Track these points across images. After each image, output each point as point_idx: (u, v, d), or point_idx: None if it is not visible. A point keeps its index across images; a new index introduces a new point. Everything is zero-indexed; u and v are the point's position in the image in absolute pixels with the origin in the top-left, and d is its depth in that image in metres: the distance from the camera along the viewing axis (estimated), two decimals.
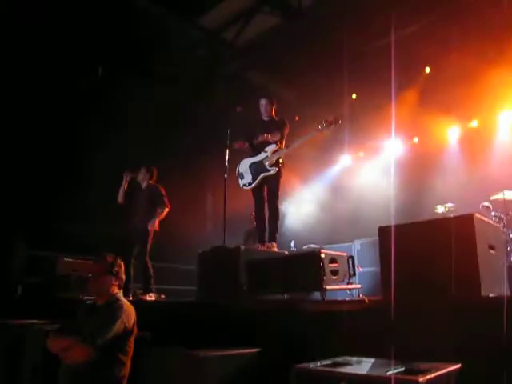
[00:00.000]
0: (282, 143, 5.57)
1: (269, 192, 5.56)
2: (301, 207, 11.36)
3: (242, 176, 5.77)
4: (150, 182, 6.77)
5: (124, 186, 6.74)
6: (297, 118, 11.61)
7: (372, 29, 9.07)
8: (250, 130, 5.89)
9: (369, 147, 11.43)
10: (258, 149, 5.67)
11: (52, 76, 7.92)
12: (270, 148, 5.50)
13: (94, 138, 8.52)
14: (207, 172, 6.19)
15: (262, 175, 5.48)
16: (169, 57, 10.11)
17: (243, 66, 10.90)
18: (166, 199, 6.46)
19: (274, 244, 5.25)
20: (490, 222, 3.33)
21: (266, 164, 5.48)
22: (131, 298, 5.93)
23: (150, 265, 6.35)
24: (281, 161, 5.59)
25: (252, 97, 6.34)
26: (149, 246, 6.41)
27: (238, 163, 5.85)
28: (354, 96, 10.96)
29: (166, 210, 6.44)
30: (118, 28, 8.30)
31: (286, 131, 5.62)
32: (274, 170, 5.43)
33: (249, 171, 5.64)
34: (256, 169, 5.54)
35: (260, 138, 5.50)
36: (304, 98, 11.15)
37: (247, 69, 10.99)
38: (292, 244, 9.33)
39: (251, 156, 5.68)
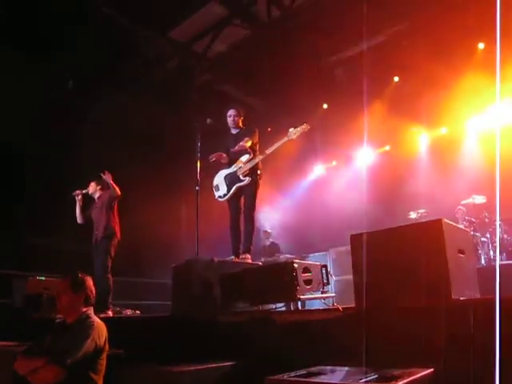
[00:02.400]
0: (254, 152, 5.55)
1: (245, 203, 5.53)
2: (276, 218, 11.36)
3: (217, 188, 5.74)
4: (102, 191, 6.66)
5: (79, 205, 6.62)
6: (269, 129, 11.70)
7: (341, 40, 9.20)
8: (222, 143, 5.86)
9: (341, 156, 11.55)
10: (231, 160, 5.65)
11: (23, 88, 7.78)
12: (243, 158, 5.49)
13: (65, 149, 8.40)
14: (180, 184, 6.14)
15: (235, 185, 5.46)
16: (140, 68, 10.09)
17: (214, 78, 10.93)
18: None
19: (248, 256, 5.22)
20: (459, 226, 3.38)
21: (240, 174, 5.46)
22: (109, 314, 5.82)
23: (108, 279, 6.14)
24: (259, 172, 5.55)
25: (224, 108, 6.33)
26: (108, 257, 6.23)
27: (213, 175, 5.83)
28: (325, 106, 11.07)
29: (117, 190, 6.34)
30: (88, 41, 8.23)
31: (257, 137, 5.61)
32: (247, 180, 5.40)
33: (224, 183, 5.61)
34: (230, 180, 5.52)
35: (232, 149, 5.48)
36: (276, 108, 11.22)
37: (218, 81, 11.02)
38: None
39: (226, 168, 5.66)
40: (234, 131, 5.86)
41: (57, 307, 3.59)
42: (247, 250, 5.27)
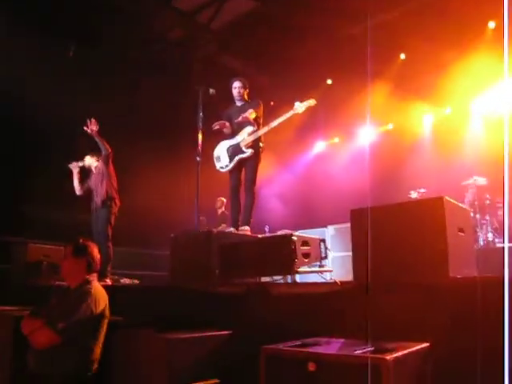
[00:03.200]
0: (258, 124, 5.51)
1: (246, 177, 5.50)
2: (276, 193, 11.38)
3: (218, 159, 5.70)
4: (98, 162, 6.64)
5: (76, 177, 6.60)
6: (272, 103, 11.61)
7: (348, 15, 9.05)
8: (225, 114, 5.80)
9: (343, 133, 11.48)
10: (235, 131, 5.60)
11: (25, 51, 7.69)
12: (247, 130, 5.44)
13: (64, 120, 8.33)
14: (181, 154, 6.10)
15: (237, 157, 5.43)
16: (143, 37, 9.97)
17: (218, 50, 10.80)
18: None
19: (247, 228, 5.22)
20: (460, 204, 3.37)
21: (242, 146, 5.42)
22: (107, 282, 5.86)
23: (107, 247, 6.16)
24: (261, 144, 5.52)
25: (226, 80, 6.25)
26: (108, 225, 6.24)
27: (215, 146, 5.80)
28: (329, 81, 10.96)
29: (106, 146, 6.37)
30: (92, 7, 8.11)
31: (261, 111, 5.56)
32: (249, 152, 5.37)
33: (225, 154, 5.58)
34: (232, 151, 5.49)
35: (236, 120, 5.42)
36: (279, 83, 11.11)
37: (222, 52, 10.89)
38: (266, 229, 9.35)
39: (228, 139, 5.62)
40: (238, 103, 5.79)
41: (57, 274, 3.64)
42: (246, 223, 5.27)
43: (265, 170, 10.82)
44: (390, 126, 10.76)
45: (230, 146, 5.50)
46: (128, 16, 8.77)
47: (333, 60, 10.07)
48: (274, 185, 11.34)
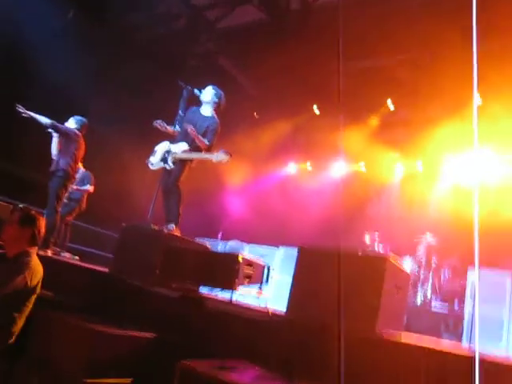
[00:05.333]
0: (198, 149, 5.40)
1: (169, 179, 5.36)
2: (239, 202, 11.42)
3: (153, 153, 5.59)
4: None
5: (55, 141, 6.45)
6: (255, 114, 11.71)
7: (346, 51, 9.20)
8: (187, 111, 5.64)
9: (317, 161, 11.65)
10: (177, 137, 5.51)
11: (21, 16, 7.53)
12: (182, 145, 5.34)
13: (48, 78, 8.18)
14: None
15: (162, 164, 5.37)
16: (146, 19, 9.90)
17: (216, 50, 10.81)
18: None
19: (173, 226, 5.00)
20: (407, 264, 3.50)
21: (170, 158, 5.35)
22: (47, 253, 5.76)
23: (53, 217, 5.99)
24: (187, 164, 5.43)
25: (216, 82, 6.21)
26: (55, 196, 6.07)
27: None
28: (315, 107, 11.10)
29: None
30: None
31: (216, 134, 5.50)
32: (171, 167, 5.28)
33: (160, 154, 5.49)
34: (163, 157, 5.38)
35: (188, 129, 5.24)
36: (267, 96, 11.20)
37: (220, 53, 10.91)
38: (219, 235, 9.41)
39: (171, 142, 5.48)
40: (202, 111, 5.60)
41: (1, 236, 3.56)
42: (172, 220, 5.12)
43: (235, 177, 10.95)
44: (362, 167, 10.98)
45: (165, 151, 5.42)
46: None
47: (322, 90, 10.23)
48: (238, 194, 11.40)
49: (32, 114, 6.12)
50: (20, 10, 7.43)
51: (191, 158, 5.37)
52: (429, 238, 8.15)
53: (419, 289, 7.89)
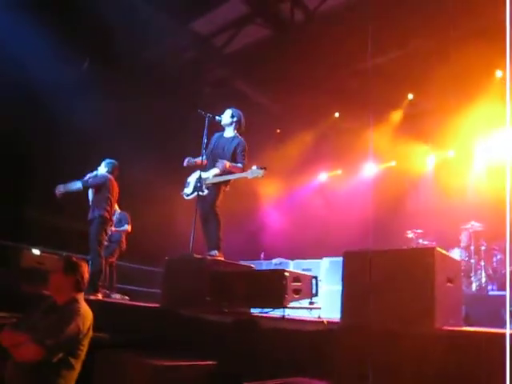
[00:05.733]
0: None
1: (205, 206, 5.41)
2: (275, 220, 11.42)
3: (187, 184, 5.71)
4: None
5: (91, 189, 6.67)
6: (278, 130, 11.76)
7: (360, 51, 9.18)
8: (211, 139, 5.73)
9: (347, 166, 11.57)
10: (209, 164, 5.58)
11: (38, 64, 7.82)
12: (213, 171, 5.41)
13: (73, 130, 8.45)
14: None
15: (196, 192, 5.41)
16: (156, 56, 10.12)
17: (229, 75, 10.96)
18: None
19: (215, 253, 5.04)
20: (453, 251, 3.42)
21: (203, 184, 5.41)
22: (98, 297, 5.87)
23: (98, 261, 6.15)
24: (223, 187, 5.48)
25: (236, 106, 6.29)
26: (96, 241, 6.24)
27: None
28: (336, 114, 11.09)
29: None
30: (107, 23, 8.25)
31: (245, 151, 5.52)
32: (206, 193, 5.34)
33: (193, 183, 5.59)
34: (196, 185, 5.44)
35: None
36: (287, 111, 11.25)
37: (233, 77, 11.04)
38: (262, 255, 9.39)
39: (202, 170, 5.51)
40: (226, 134, 5.72)
41: (48, 285, 3.66)
42: (215, 247, 5.15)
43: (269, 194, 10.99)
44: (393, 163, 10.84)
45: (198, 179, 5.46)
46: (143, 34, 8.91)
47: (342, 94, 10.21)
48: (275, 212, 11.41)
49: (65, 189, 6.39)
50: (36, 64, 7.69)
51: (225, 181, 5.43)
52: (474, 225, 7.94)
53: (473, 277, 7.68)
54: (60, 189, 6.39)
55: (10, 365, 3.24)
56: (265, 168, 5.07)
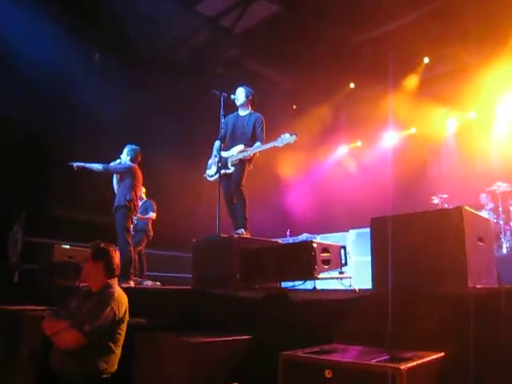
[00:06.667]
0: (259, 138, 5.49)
1: (231, 185, 5.45)
2: (298, 196, 11.41)
3: (209, 166, 5.75)
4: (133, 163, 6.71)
5: (116, 176, 6.71)
6: (294, 106, 11.68)
7: (372, 18, 9.03)
8: (225, 121, 5.71)
9: (366, 137, 11.45)
10: (229, 144, 5.60)
11: (49, 60, 7.89)
12: (237, 148, 5.43)
13: (91, 122, 8.54)
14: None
15: (222, 171, 5.41)
16: (168, 43, 10.11)
17: (241, 54, 10.88)
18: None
19: (242, 231, 5.11)
20: (480, 213, 3.38)
21: (229, 162, 5.43)
22: (130, 285, 5.98)
23: (127, 250, 6.21)
24: (247, 162, 5.49)
25: (249, 85, 6.26)
26: (123, 230, 6.29)
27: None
28: (352, 85, 10.96)
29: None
30: (115, 13, 8.26)
31: (263, 125, 5.51)
32: (232, 169, 5.39)
33: (215, 164, 5.60)
34: (221, 163, 5.45)
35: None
36: (301, 86, 11.14)
37: (245, 56, 10.97)
38: (287, 233, 9.42)
39: (223, 150, 5.56)
40: (241, 112, 5.71)
41: (81, 275, 3.75)
42: (241, 226, 5.21)
43: (291, 171, 10.96)
44: (413, 130, 10.69)
45: (222, 158, 5.48)
46: (152, 20, 8.90)
47: (356, 64, 10.06)
48: (297, 188, 11.39)
49: (84, 165, 6.44)
50: (47, 57, 7.77)
51: (249, 159, 5.43)
52: (501, 185, 7.81)
53: (503, 239, 7.58)
54: (79, 164, 6.46)
55: (54, 352, 3.36)
56: (296, 134, 5.01)
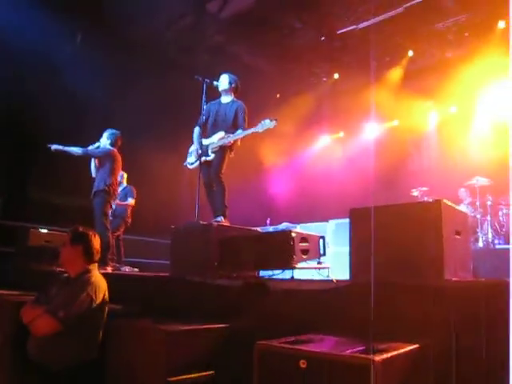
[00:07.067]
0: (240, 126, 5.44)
1: (211, 171, 5.41)
2: (279, 185, 11.41)
3: (190, 154, 5.70)
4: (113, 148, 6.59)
5: (93, 160, 6.59)
6: (278, 95, 11.64)
7: (356, 10, 9.02)
8: (207, 108, 5.63)
9: (349, 127, 11.48)
10: (210, 130, 5.56)
11: (32, 42, 7.70)
12: (218, 135, 5.39)
13: (72, 106, 8.39)
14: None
15: (202, 158, 5.36)
16: (154, 25, 9.94)
17: (226, 39, 10.77)
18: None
19: (221, 219, 5.10)
20: (458, 207, 3.40)
21: (209, 149, 5.40)
22: (107, 270, 5.91)
23: (105, 235, 6.07)
24: (227, 149, 5.44)
25: (233, 72, 6.19)
26: (102, 214, 6.21)
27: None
28: (336, 75, 10.95)
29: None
30: None
31: (246, 119, 5.47)
32: (212, 156, 5.36)
33: (195, 152, 5.56)
34: (200, 152, 5.40)
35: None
36: (286, 74, 11.10)
37: (230, 43, 10.86)
38: (268, 221, 9.42)
39: (204, 137, 5.51)
40: (223, 99, 5.64)
41: (58, 260, 3.68)
42: (221, 213, 5.19)
43: (272, 160, 10.95)
44: (396, 123, 10.74)
45: (201, 146, 5.42)
46: (136, 5, 8.74)
47: (340, 54, 10.05)
48: (278, 177, 11.38)
49: (63, 148, 6.31)
50: (28, 38, 7.58)
51: (230, 146, 5.39)
52: (479, 180, 7.91)
53: (479, 232, 7.70)
54: (57, 146, 6.34)
55: (30, 341, 3.29)
56: (276, 119, 5.01)
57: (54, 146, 6.32)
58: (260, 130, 5.10)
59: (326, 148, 11.94)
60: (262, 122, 5.07)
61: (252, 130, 5.21)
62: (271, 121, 5.02)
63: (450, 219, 3.06)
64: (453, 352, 2.60)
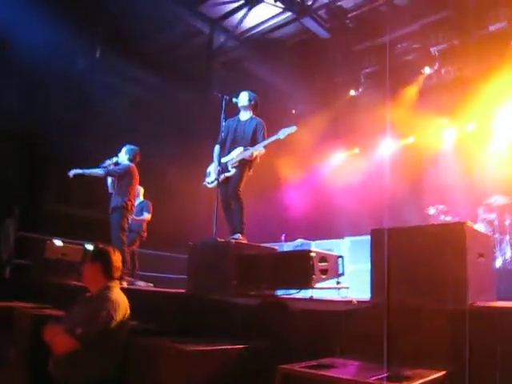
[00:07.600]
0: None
1: (229, 188, 5.38)
2: (294, 201, 11.38)
3: (208, 174, 5.70)
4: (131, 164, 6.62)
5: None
6: (293, 111, 11.66)
7: (372, 27, 9.04)
8: (226, 125, 5.61)
9: (364, 144, 11.42)
10: (229, 147, 5.54)
11: (50, 55, 7.82)
12: (237, 150, 5.40)
13: (90, 119, 8.48)
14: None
15: (222, 175, 5.35)
16: (168, 42, 10.06)
17: (242, 56, 10.84)
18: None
19: (239, 236, 5.06)
20: (480, 229, 3.36)
21: (229, 165, 5.41)
22: (123, 285, 5.89)
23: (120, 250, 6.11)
24: (247, 163, 5.44)
25: (250, 88, 6.21)
26: (119, 230, 6.24)
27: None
28: (352, 92, 10.94)
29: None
30: (117, 11, 8.22)
31: (266, 136, 5.45)
32: (233, 171, 5.35)
33: (214, 170, 5.53)
34: (220, 169, 5.37)
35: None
36: (302, 91, 11.12)
37: (246, 59, 10.93)
38: (283, 237, 9.39)
39: (222, 155, 5.50)
40: (242, 117, 5.64)
41: (73, 273, 3.68)
42: (238, 230, 5.16)
43: (287, 176, 10.93)
44: (411, 140, 10.67)
45: (220, 165, 5.40)
46: (153, 21, 8.85)
47: (357, 71, 10.06)
48: (293, 193, 11.35)
49: (83, 171, 6.38)
50: (48, 54, 7.70)
51: (250, 162, 5.39)
52: (498, 199, 7.80)
53: (497, 252, 7.57)
54: (76, 171, 6.37)
55: (52, 359, 3.27)
56: (295, 124, 5.09)
57: (73, 172, 6.37)
58: (282, 137, 5.14)
59: (341, 164, 11.87)
60: (282, 129, 5.14)
61: (274, 137, 5.24)
62: (291, 126, 5.10)
63: (473, 242, 3.01)
64: (478, 379, 2.54)
